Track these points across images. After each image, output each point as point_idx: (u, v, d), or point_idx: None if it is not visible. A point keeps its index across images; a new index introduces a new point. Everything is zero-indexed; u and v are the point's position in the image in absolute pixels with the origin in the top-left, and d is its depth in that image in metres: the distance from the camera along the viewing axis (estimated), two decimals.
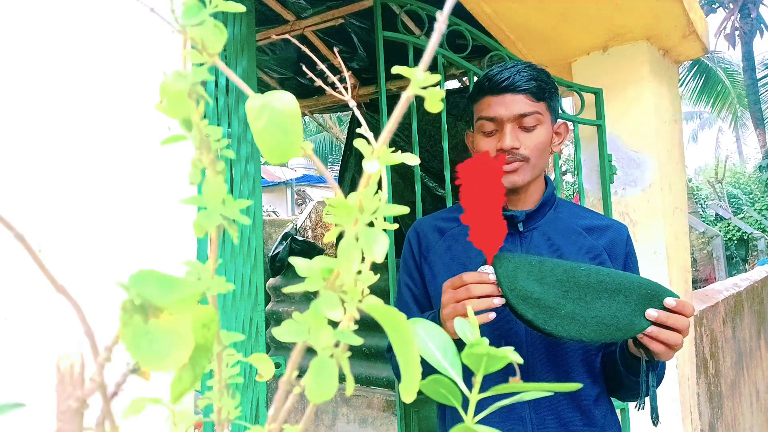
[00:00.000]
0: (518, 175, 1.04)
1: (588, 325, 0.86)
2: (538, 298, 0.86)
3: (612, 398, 1.11)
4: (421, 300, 1.12)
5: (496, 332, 1.02)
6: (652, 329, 0.86)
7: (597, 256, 1.06)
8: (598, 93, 2.32)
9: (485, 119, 1.05)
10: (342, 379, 0.25)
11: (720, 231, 10.64)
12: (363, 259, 0.24)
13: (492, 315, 0.87)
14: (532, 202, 1.10)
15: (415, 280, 1.13)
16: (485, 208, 0.84)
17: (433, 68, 1.99)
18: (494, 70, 1.06)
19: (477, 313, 0.86)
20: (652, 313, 0.86)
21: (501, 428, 0.99)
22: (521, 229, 1.07)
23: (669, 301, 0.87)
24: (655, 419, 0.93)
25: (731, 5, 16.23)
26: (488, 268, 0.88)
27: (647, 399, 0.95)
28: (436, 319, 0.95)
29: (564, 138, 1.14)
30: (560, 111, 1.13)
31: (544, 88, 1.05)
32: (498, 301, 0.86)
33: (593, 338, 0.86)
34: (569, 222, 1.10)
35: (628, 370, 0.99)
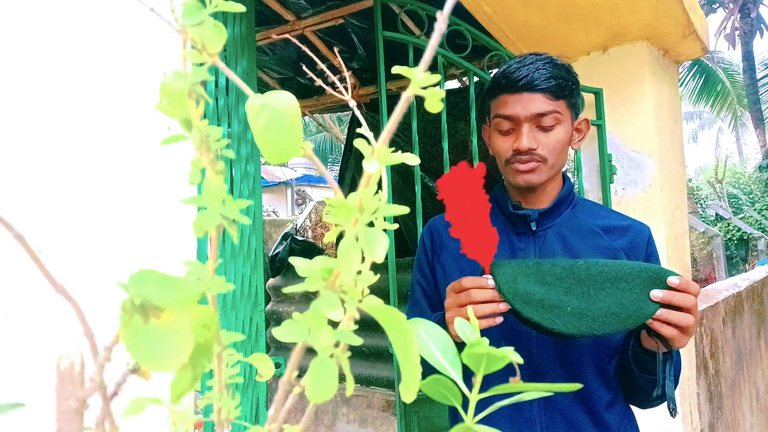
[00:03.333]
0: (534, 174, 1.02)
1: (597, 318, 0.84)
2: (540, 299, 0.85)
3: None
4: (433, 298, 1.11)
5: (505, 338, 1.00)
6: (661, 312, 0.84)
7: (614, 257, 1.03)
8: (598, 93, 2.32)
9: (501, 117, 1.02)
10: (342, 379, 0.25)
11: (720, 231, 10.64)
12: (363, 259, 0.24)
13: (499, 319, 0.85)
14: (548, 201, 1.07)
15: (427, 278, 1.12)
16: (472, 219, 0.83)
17: (433, 68, 1.99)
18: (512, 66, 1.02)
19: (484, 318, 0.85)
20: (657, 293, 0.84)
21: (509, 430, 0.98)
22: (534, 228, 1.05)
23: (672, 280, 0.85)
24: (673, 410, 0.91)
25: (731, 5, 16.23)
26: (488, 276, 0.87)
27: (665, 391, 0.92)
28: (442, 322, 0.94)
29: (585, 135, 1.11)
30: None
31: (564, 86, 1.01)
32: (503, 306, 0.85)
33: (605, 331, 0.84)
34: (586, 222, 1.07)
35: (641, 369, 0.97)
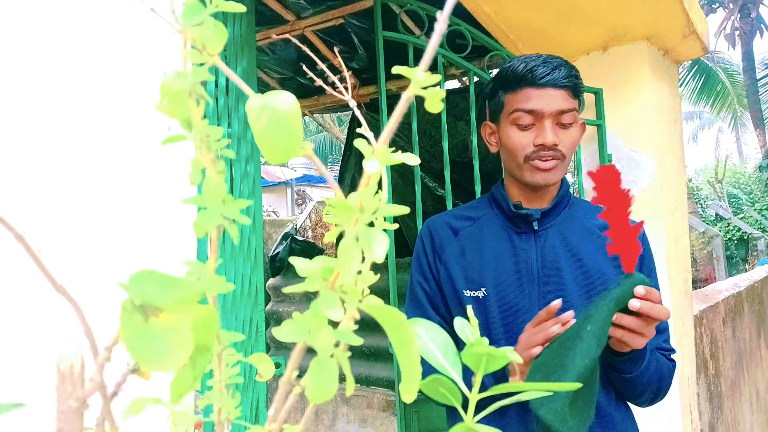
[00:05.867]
0: (553, 173, 1.03)
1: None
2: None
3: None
4: (435, 300, 1.11)
5: (505, 338, 1.00)
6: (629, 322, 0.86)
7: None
8: (598, 93, 2.32)
9: (524, 111, 1.02)
10: (342, 379, 0.25)
11: (720, 231, 10.62)
12: (363, 259, 0.24)
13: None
14: (548, 201, 1.08)
15: (428, 279, 1.12)
16: (617, 217, 0.82)
17: (433, 68, 1.98)
18: (533, 61, 1.03)
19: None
20: (635, 303, 0.86)
21: (517, 431, 0.98)
22: (536, 227, 1.06)
23: (634, 303, 0.86)
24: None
25: (731, 5, 16.24)
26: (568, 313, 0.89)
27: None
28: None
29: (581, 137, 1.14)
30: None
31: (580, 86, 1.05)
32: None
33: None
34: (584, 221, 1.09)
35: (619, 372, 0.98)
